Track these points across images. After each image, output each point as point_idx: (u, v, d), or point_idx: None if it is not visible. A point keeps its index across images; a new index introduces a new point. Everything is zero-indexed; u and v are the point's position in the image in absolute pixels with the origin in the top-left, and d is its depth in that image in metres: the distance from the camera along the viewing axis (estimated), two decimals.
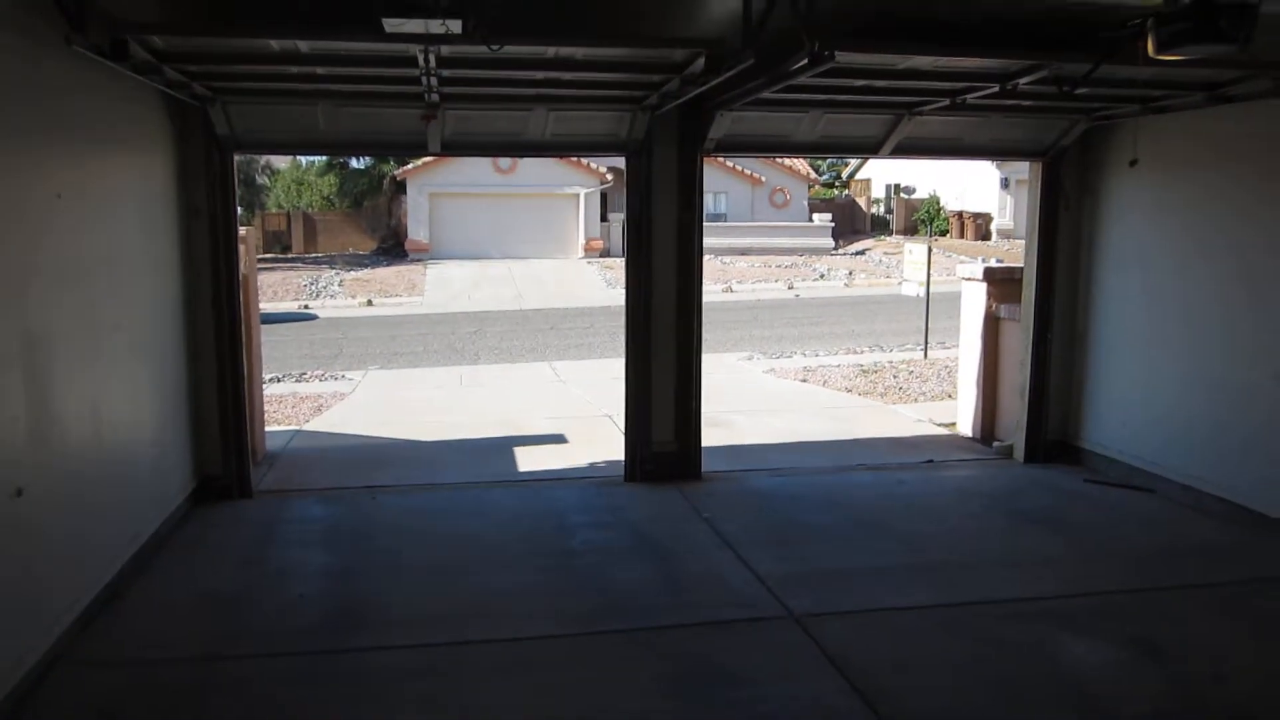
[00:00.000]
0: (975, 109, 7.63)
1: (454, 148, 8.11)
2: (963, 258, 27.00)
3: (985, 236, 39.36)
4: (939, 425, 10.94)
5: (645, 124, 7.93)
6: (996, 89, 6.72)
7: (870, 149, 8.61)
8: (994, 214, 39.98)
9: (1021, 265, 9.52)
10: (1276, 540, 6.90)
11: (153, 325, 6.97)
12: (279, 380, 14.75)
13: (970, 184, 39.67)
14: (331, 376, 15.70)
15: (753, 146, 8.76)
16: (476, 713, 4.67)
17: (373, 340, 20.37)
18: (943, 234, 39.45)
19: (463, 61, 6.07)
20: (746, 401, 12.64)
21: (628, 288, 8.53)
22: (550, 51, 5.97)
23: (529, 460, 9.47)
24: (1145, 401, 8.31)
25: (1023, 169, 35.17)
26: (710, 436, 8.90)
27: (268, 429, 10.05)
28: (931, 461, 9.30)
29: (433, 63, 5.87)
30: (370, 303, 27.17)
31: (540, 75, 6.54)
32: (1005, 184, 39.20)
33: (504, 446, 10.03)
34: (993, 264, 10.49)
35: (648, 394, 8.48)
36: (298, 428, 11.40)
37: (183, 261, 7.55)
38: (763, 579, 6.26)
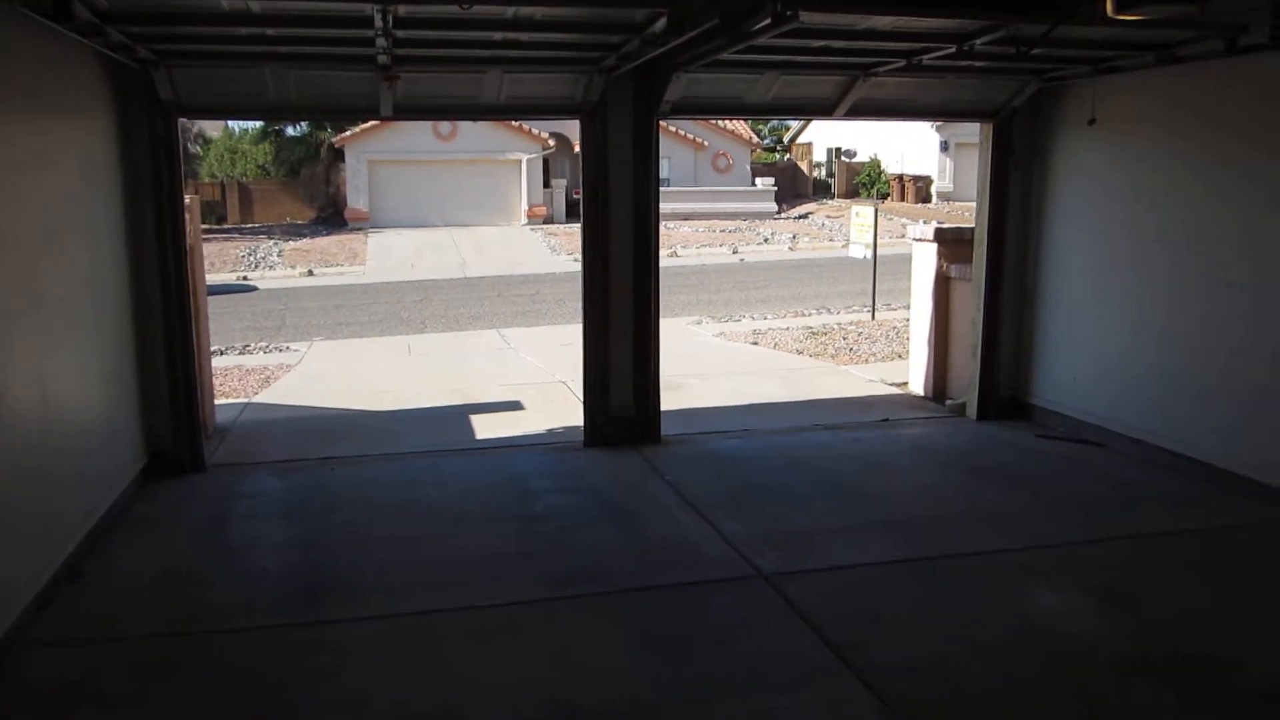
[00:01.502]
0: (930, 70, 7.67)
1: (406, 111, 7.93)
2: (905, 220, 27.31)
3: (926, 199, 39.79)
4: (891, 385, 11.08)
5: (601, 86, 7.84)
6: (954, 49, 6.75)
7: (825, 110, 8.61)
8: (934, 177, 40.39)
9: (969, 226, 9.64)
10: (1224, 490, 7.11)
11: (97, 296, 6.75)
12: (222, 353, 14.44)
13: (910, 147, 39.96)
14: (276, 348, 15.41)
15: (708, 109, 8.76)
16: (455, 678, 4.65)
17: (316, 311, 20.02)
18: (884, 197, 39.80)
19: (419, 22, 5.95)
20: (699, 365, 12.66)
21: (584, 251, 8.47)
22: (510, 12, 5.87)
23: (486, 428, 9.40)
24: (1095, 358, 8.49)
25: (962, 132, 35.79)
26: (666, 400, 8.90)
27: (216, 402, 9.84)
28: (887, 420, 9.41)
29: (389, 22, 5.73)
30: (311, 273, 26.66)
31: (498, 36, 6.43)
32: (945, 147, 39.58)
33: (459, 415, 9.95)
34: (938, 225, 10.58)
35: (606, 358, 8.45)
36: (247, 400, 11.19)
37: (127, 230, 7.33)
38: (729, 539, 6.30)
